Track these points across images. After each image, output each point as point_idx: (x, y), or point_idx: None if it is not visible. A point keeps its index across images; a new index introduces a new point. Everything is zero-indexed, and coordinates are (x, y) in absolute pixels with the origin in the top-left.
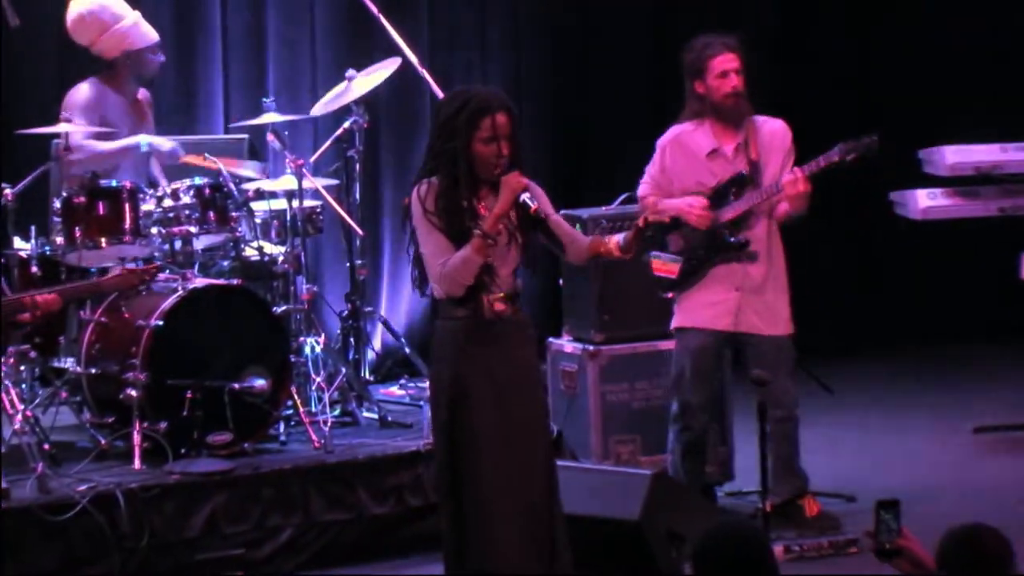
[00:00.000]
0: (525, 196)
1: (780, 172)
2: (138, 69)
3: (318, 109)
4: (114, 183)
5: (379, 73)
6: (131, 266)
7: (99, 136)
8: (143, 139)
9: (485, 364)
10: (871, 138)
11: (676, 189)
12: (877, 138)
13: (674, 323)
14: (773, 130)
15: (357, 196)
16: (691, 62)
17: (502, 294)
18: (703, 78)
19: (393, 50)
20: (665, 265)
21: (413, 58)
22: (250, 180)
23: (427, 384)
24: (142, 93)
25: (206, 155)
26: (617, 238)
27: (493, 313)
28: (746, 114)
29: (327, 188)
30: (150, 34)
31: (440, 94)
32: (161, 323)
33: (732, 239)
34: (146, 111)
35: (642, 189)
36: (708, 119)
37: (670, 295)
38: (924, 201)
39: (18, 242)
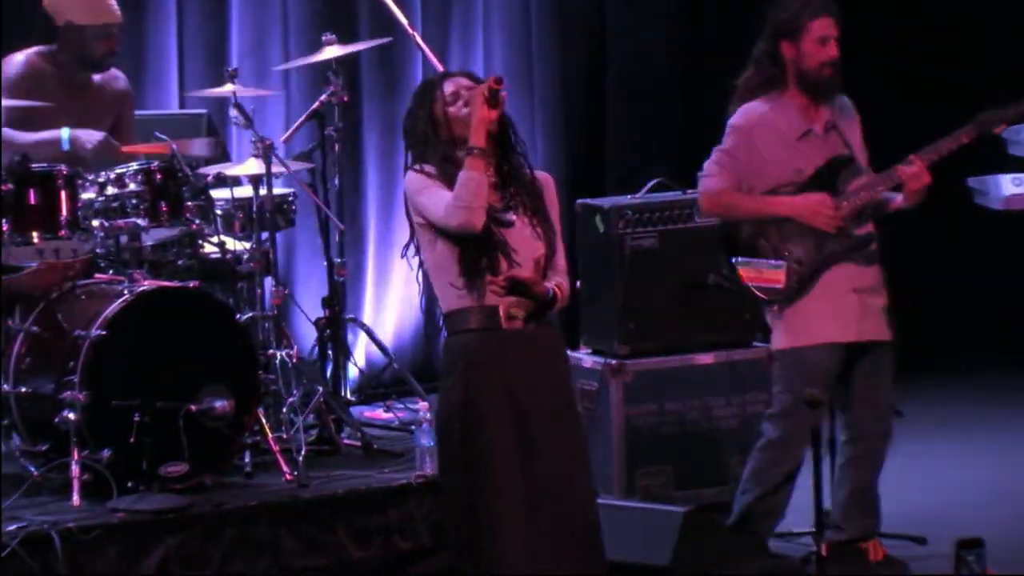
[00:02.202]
0: (490, 81)
1: (861, 150)
2: (80, 49)
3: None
4: (48, 167)
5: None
6: (52, 259)
7: (27, 112)
8: (64, 132)
9: (502, 382)
10: (1016, 104)
11: (766, 179)
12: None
13: (784, 342)
14: (843, 103)
15: (336, 182)
16: (784, 21)
17: (518, 307)
18: (797, 40)
19: (381, 11)
20: (763, 273)
21: (414, 34)
22: (208, 162)
23: (418, 405)
24: (106, 81)
25: (156, 134)
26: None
27: (509, 323)
28: (838, 89)
29: (300, 173)
30: (101, 13)
31: (441, 70)
32: (103, 333)
33: (860, 235)
34: (105, 103)
35: (715, 183)
36: (788, 92)
37: (775, 309)
38: (1009, 188)
39: None
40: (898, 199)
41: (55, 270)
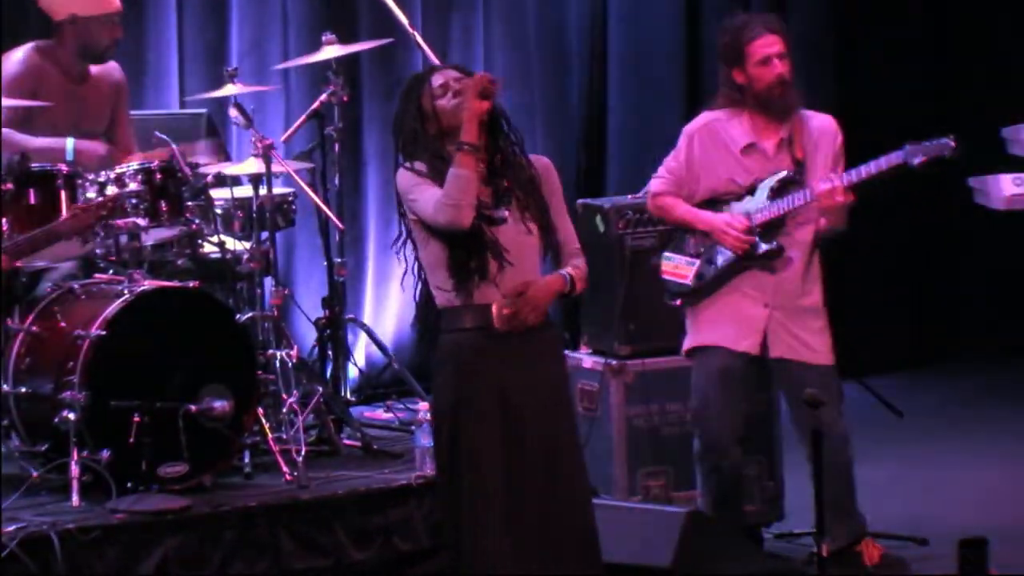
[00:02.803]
0: (484, 79)
1: (826, 172)
2: (84, 41)
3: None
4: (48, 167)
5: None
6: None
7: (27, 109)
8: (69, 143)
9: (492, 382)
10: (945, 141)
11: (702, 187)
12: (953, 143)
13: (689, 342)
14: (822, 127)
15: (336, 182)
16: (726, 46)
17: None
18: (742, 65)
19: (382, 11)
20: (678, 268)
21: (414, 33)
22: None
23: (418, 406)
24: (103, 73)
25: (156, 134)
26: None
27: (503, 324)
28: (794, 106)
29: (300, 173)
30: (104, 3)
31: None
32: (103, 333)
33: (764, 246)
34: (103, 95)
35: (656, 185)
36: (747, 110)
37: (678, 303)
38: (1009, 188)
39: None
40: (823, 220)
41: (88, 211)
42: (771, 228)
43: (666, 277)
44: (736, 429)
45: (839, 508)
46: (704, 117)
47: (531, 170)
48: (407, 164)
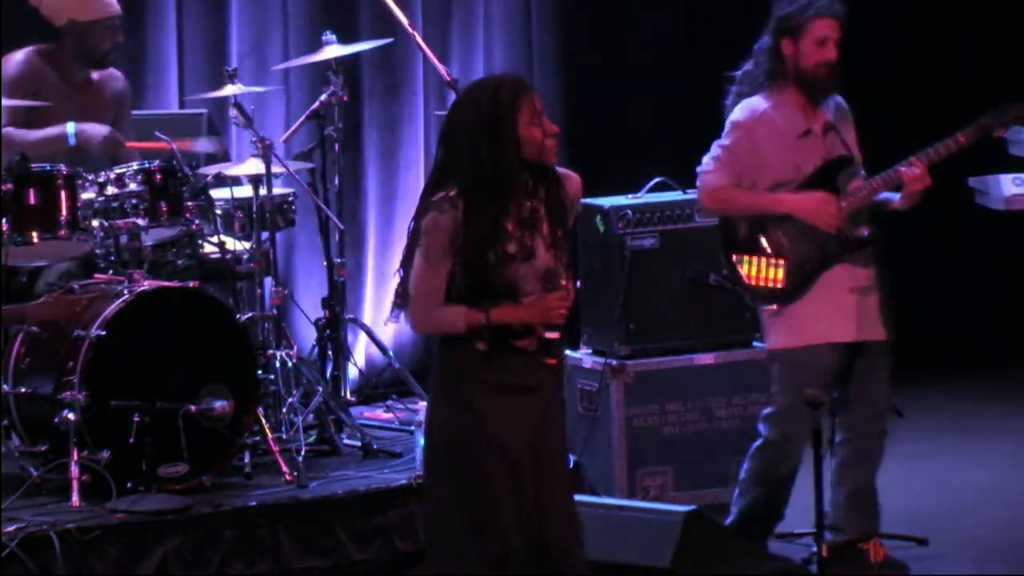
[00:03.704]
0: (553, 336)
1: (856, 151)
2: (84, 46)
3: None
4: (48, 167)
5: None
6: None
7: (28, 112)
8: (70, 127)
9: (498, 406)
10: (1016, 106)
11: (767, 176)
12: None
13: (784, 342)
14: (838, 105)
15: (336, 182)
16: (786, 17)
17: (532, 337)
18: (796, 38)
19: (382, 11)
20: (763, 271)
21: (414, 33)
22: (209, 162)
23: (418, 406)
24: (106, 79)
25: (156, 134)
26: None
27: (517, 347)
28: (832, 92)
29: (300, 173)
30: (103, 8)
31: (443, 71)
32: (103, 333)
33: (861, 235)
34: (104, 101)
35: (715, 178)
36: (787, 89)
37: (773, 307)
38: (1010, 188)
39: None
40: (895, 200)
41: (62, 303)
42: (857, 216)
43: (752, 283)
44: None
45: (862, 500)
46: (755, 105)
47: (562, 196)
48: (448, 197)
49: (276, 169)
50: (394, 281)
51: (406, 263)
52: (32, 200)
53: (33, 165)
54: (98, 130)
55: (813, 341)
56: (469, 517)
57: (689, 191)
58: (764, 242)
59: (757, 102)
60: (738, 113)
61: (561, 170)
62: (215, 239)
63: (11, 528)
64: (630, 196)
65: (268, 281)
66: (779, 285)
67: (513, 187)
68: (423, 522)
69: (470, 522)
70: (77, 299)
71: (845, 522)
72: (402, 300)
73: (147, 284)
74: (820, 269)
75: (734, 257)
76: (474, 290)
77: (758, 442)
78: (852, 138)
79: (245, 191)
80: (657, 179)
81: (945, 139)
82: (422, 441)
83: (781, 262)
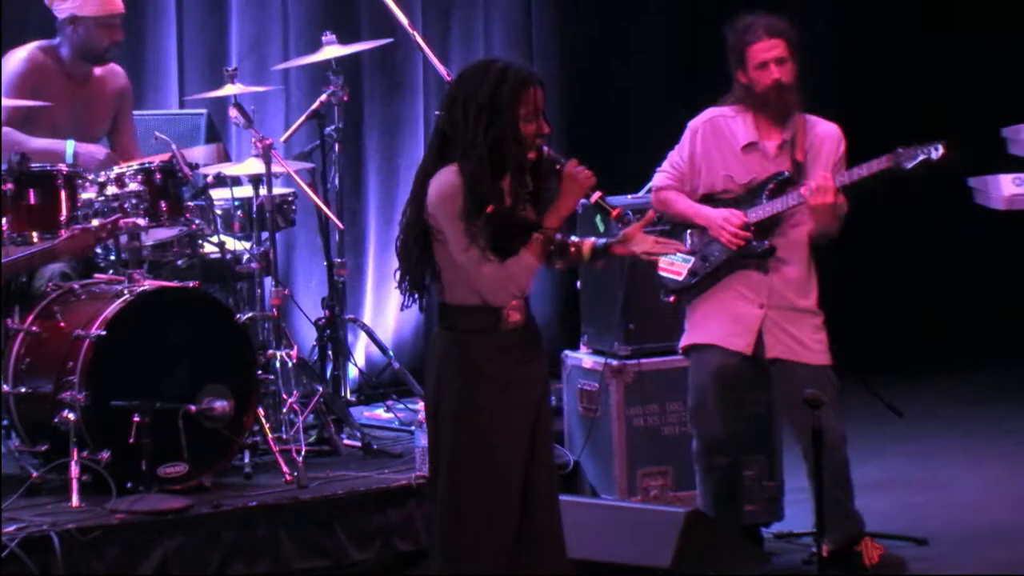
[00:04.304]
0: (599, 193)
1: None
2: (83, 42)
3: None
4: (48, 167)
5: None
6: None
7: (29, 109)
8: (69, 146)
9: (506, 391)
10: (937, 145)
11: (701, 183)
12: (943, 149)
13: (685, 340)
14: (826, 133)
15: (336, 182)
16: (730, 48)
17: (516, 301)
18: (743, 67)
19: (382, 11)
20: (673, 264)
21: (414, 33)
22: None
23: (418, 406)
24: (107, 76)
25: (156, 134)
26: (594, 241)
27: (510, 324)
28: (793, 110)
29: (300, 173)
30: (104, 4)
31: (443, 70)
32: (103, 333)
33: (756, 244)
34: (105, 98)
35: (660, 179)
36: (751, 109)
37: (672, 299)
38: (1009, 188)
39: None
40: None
41: (88, 233)
42: (766, 228)
43: (661, 273)
44: (733, 428)
45: (836, 508)
46: (709, 112)
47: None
48: (450, 170)
49: (276, 169)
50: (395, 282)
51: (410, 235)
52: (32, 200)
53: (33, 165)
54: (96, 153)
55: (702, 341)
56: (483, 495)
57: None
58: (688, 238)
59: (713, 109)
60: (695, 118)
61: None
62: (215, 239)
63: (11, 528)
64: (630, 196)
65: (268, 281)
66: (678, 277)
67: (507, 169)
68: (434, 512)
69: (484, 500)
70: (101, 226)
71: (828, 533)
72: (411, 286)
73: (147, 284)
74: (720, 274)
75: None
76: (498, 241)
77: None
78: (823, 164)
79: (245, 191)
80: None
81: (862, 163)
82: (423, 441)
83: (689, 258)
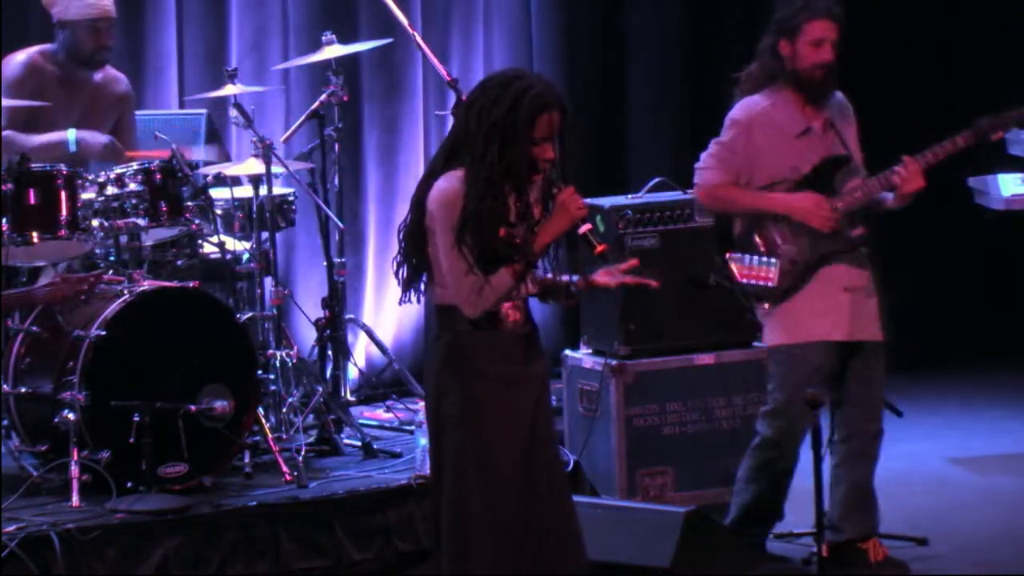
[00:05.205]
0: (586, 228)
1: (857, 151)
2: (71, 45)
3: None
4: (48, 167)
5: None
6: (64, 273)
7: (29, 112)
8: (71, 134)
9: (504, 390)
10: (1017, 112)
11: (762, 175)
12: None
13: (777, 339)
14: (840, 103)
15: (336, 182)
16: (784, 19)
17: (514, 301)
18: (793, 39)
19: (382, 11)
20: (756, 270)
21: (414, 34)
22: (207, 162)
23: (418, 406)
24: (108, 81)
25: (156, 134)
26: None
27: (508, 324)
28: (829, 93)
29: (300, 173)
30: (87, 8)
31: (443, 72)
32: (103, 333)
33: (854, 236)
34: (106, 103)
35: (711, 176)
36: (785, 89)
37: (765, 307)
38: (1009, 188)
39: None
40: (888, 199)
41: (70, 283)
42: (853, 216)
43: (744, 281)
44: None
45: (860, 499)
46: (753, 103)
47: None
48: (453, 176)
49: (276, 169)
50: (395, 282)
51: (410, 238)
52: (32, 200)
53: (33, 165)
54: (98, 139)
55: (807, 339)
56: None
57: (689, 191)
58: (758, 240)
59: (756, 100)
60: (736, 111)
61: None
62: (215, 239)
63: (11, 528)
64: (630, 196)
65: (268, 281)
66: (771, 283)
67: (514, 189)
68: (439, 514)
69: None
70: (83, 278)
71: (843, 522)
72: (408, 278)
73: (147, 284)
74: (813, 268)
75: (728, 255)
76: (484, 259)
77: (756, 440)
78: (852, 136)
79: (245, 191)
80: (657, 179)
81: (943, 141)
82: (422, 441)
83: (774, 260)
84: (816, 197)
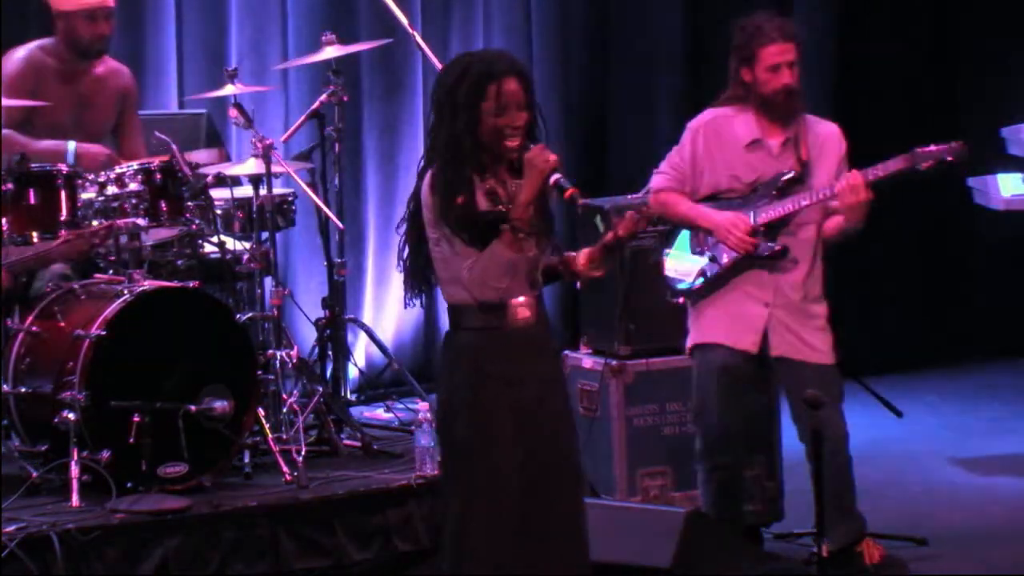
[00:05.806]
0: (557, 176)
1: (830, 179)
2: (68, 36)
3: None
4: (48, 167)
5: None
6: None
7: (29, 111)
8: (71, 146)
9: (508, 390)
10: (955, 145)
11: (704, 183)
12: (962, 146)
13: (691, 339)
14: (828, 133)
15: (336, 182)
16: (739, 47)
17: (526, 298)
18: (751, 66)
19: (381, 11)
20: (683, 265)
21: (414, 34)
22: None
23: (418, 406)
24: (110, 74)
25: (156, 134)
26: (586, 252)
27: (518, 322)
28: (796, 113)
29: (300, 173)
30: None
31: (439, 67)
32: (103, 333)
33: (768, 247)
34: (107, 96)
35: (659, 180)
36: (752, 108)
37: (680, 301)
38: (1009, 188)
39: None
40: (838, 218)
41: (83, 238)
42: (775, 228)
43: (668, 275)
44: (736, 428)
45: (838, 508)
46: (709, 113)
47: None
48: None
49: (276, 169)
50: (395, 282)
51: (410, 236)
52: (32, 200)
53: (33, 165)
54: (97, 153)
55: (707, 340)
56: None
57: None
58: (694, 239)
59: (714, 110)
60: (693, 119)
61: None
62: (215, 239)
63: (11, 528)
64: (630, 196)
65: (268, 281)
66: (687, 279)
67: (474, 167)
68: (444, 512)
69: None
70: (95, 231)
71: (829, 531)
72: (412, 284)
73: (147, 284)
74: (729, 275)
75: (667, 251)
76: (475, 238)
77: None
78: (826, 164)
79: (245, 191)
80: None
81: (881, 161)
82: (423, 441)
83: (699, 260)
84: (734, 216)
